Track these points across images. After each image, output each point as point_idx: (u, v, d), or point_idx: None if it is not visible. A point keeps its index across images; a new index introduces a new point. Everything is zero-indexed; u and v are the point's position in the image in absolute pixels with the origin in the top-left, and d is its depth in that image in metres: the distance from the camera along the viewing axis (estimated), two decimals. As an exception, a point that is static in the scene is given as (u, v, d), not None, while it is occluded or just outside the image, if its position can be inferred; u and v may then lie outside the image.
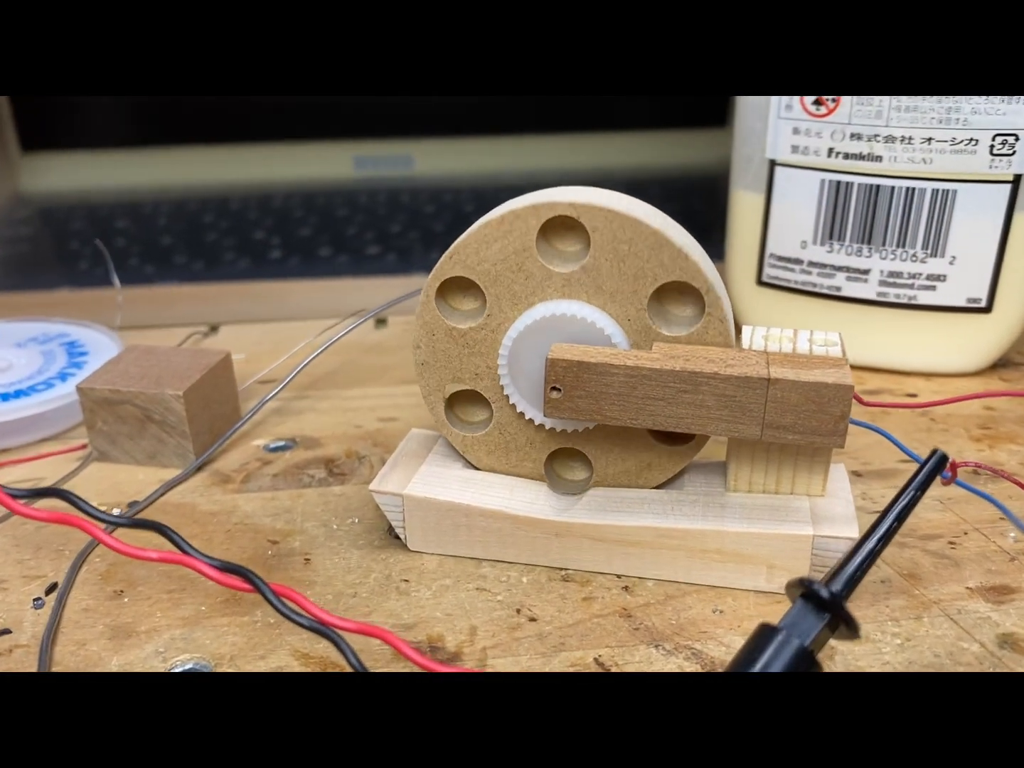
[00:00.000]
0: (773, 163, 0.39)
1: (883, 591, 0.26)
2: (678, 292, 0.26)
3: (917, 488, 0.22)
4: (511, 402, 0.27)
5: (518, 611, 0.26)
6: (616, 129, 0.91)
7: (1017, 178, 0.35)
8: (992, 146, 0.35)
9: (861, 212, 0.37)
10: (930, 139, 0.35)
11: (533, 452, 0.28)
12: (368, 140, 0.89)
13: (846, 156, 0.37)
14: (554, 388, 0.25)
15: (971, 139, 0.35)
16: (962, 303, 0.38)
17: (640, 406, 0.25)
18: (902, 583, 0.27)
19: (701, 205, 0.77)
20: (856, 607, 0.26)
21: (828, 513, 0.26)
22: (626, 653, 0.24)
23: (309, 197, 0.86)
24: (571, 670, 0.24)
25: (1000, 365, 0.40)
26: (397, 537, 0.29)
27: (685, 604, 0.26)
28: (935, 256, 0.37)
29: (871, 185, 0.37)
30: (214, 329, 0.46)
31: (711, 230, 0.71)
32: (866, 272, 0.38)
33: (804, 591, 0.21)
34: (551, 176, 0.85)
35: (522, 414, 0.28)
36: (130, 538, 0.25)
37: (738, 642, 0.24)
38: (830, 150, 0.37)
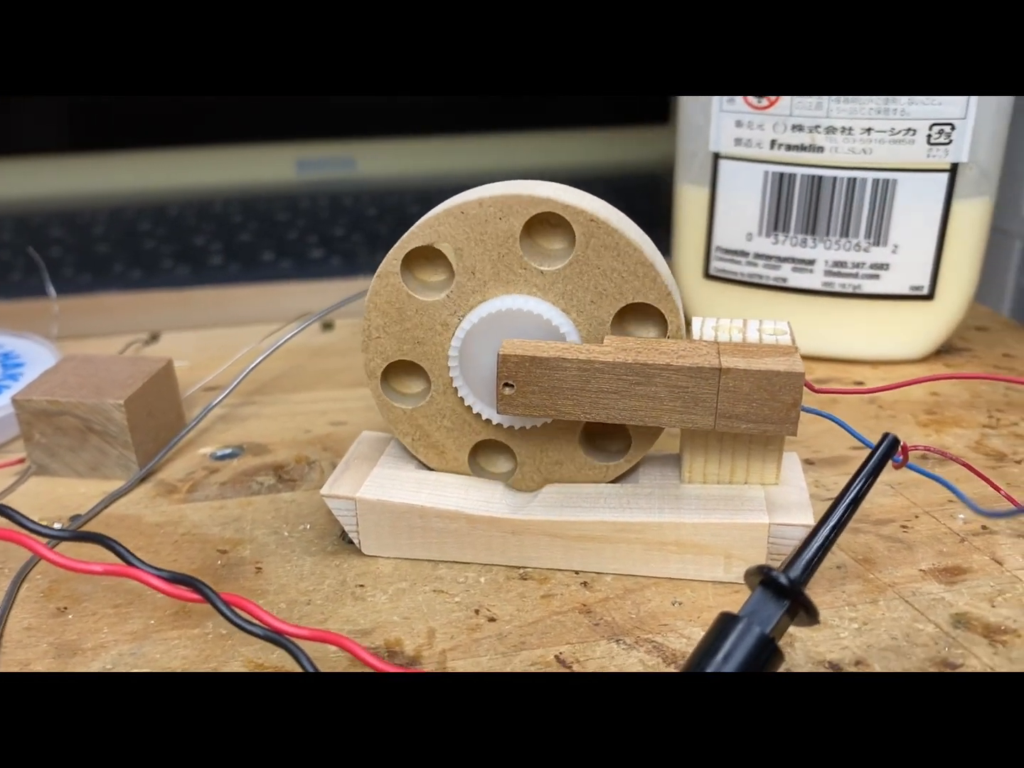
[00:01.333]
0: (717, 156, 0.39)
1: (839, 576, 0.26)
2: (642, 311, 0.26)
3: (870, 473, 0.22)
4: (459, 393, 0.27)
5: (476, 612, 0.25)
6: (558, 127, 0.91)
7: (954, 167, 0.36)
8: (929, 135, 0.35)
9: (805, 203, 0.38)
10: (869, 129, 0.36)
11: (462, 438, 0.28)
12: (310, 143, 0.88)
13: (788, 147, 0.37)
14: (507, 384, 0.25)
15: (909, 129, 0.35)
16: (905, 291, 0.38)
17: (593, 400, 0.25)
18: (857, 568, 0.27)
19: (646, 201, 0.77)
20: (814, 593, 0.26)
21: (783, 501, 0.26)
22: (587, 649, 0.24)
23: (250, 202, 0.85)
24: (532, 669, 0.23)
25: (943, 351, 0.40)
26: (350, 542, 0.28)
27: (644, 597, 0.26)
28: (878, 245, 0.37)
29: (814, 176, 0.37)
30: (155, 337, 0.45)
31: (656, 226, 0.71)
32: (811, 262, 0.39)
33: (763, 579, 0.21)
34: (496, 176, 0.85)
35: (462, 400, 0.27)
36: (73, 552, 0.24)
37: (698, 633, 0.24)
38: (772, 142, 0.37)
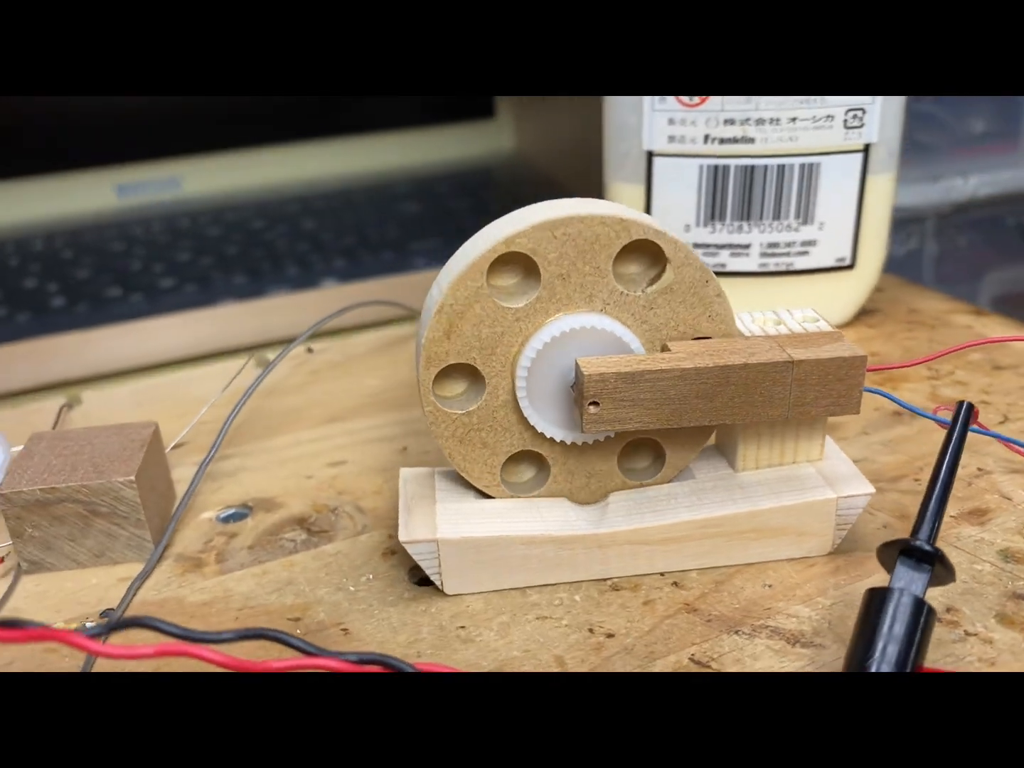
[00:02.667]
0: (651, 154, 0.40)
1: (888, 535, 0.29)
2: (632, 255, 0.26)
3: (960, 437, 0.24)
4: (520, 405, 0.27)
5: (591, 631, 0.26)
6: (385, 129, 0.90)
7: (867, 147, 0.40)
8: (845, 120, 0.39)
9: (739, 192, 0.40)
10: (795, 119, 0.39)
11: (604, 466, 0.28)
12: (128, 166, 0.82)
13: (721, 141, 0.39)
14: (593, 403, 0.25)
15: (828, 116, 0.39)
16: (831, 263, 0.42)
17: (676, 407, 0.26)
18: (899, 524, 0.29)
19: (475, 198, 0.78)
20: (869, 557, 0.28)
21: (837, 475, 0.28)
22: (713, 647, 0.25)
23: (74, 234, 0.78)
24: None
25: (862, 314, 0.44)
26: (424, 584, 0.28)
27: (736, 586, 0.27)
28: (806, 224, 0.41)
29: (746, 166, 0.40)
30: (75, 400, 0.41)
31: (490, 219, 0.72)
32: (747, 247, 0.41)
33: (904, 549, 0.22)
34: (333, 182, 0.83)
35: (513, 411, 0.27)
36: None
37: (804, 612, 0.26)
38: (706, 137, 0.39)
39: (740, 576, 0.27)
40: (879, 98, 0.39)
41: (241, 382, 0.39)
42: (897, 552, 0.23)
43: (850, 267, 0.42)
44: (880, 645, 0.21)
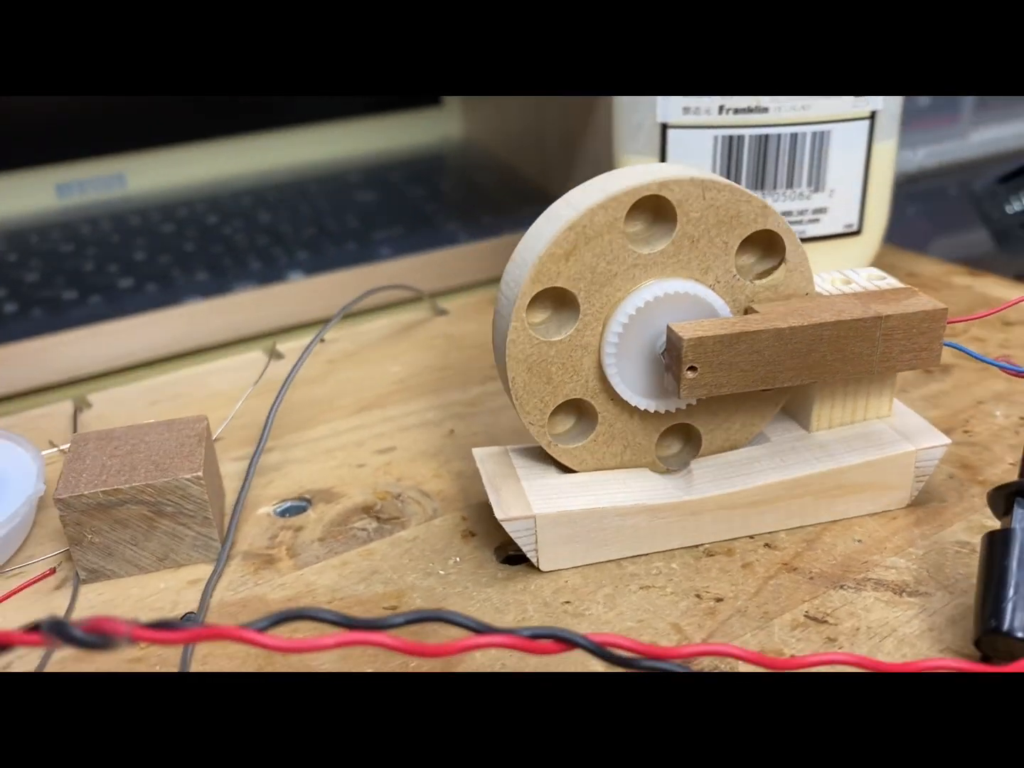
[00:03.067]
0: (665, 127, 0.40)
1: (956, 485, 0.30)
2: (753, 243, 0.27)
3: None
4: (621, 396, 0.27)
5: (698, 596, 0.26)
6: (335, 118, 0.88)
7: (873, 114, 0.40)
8: (855, 88, 0.39)
9: (753, 161, 0.41)
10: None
11: (643, 441, 0.28)
12: (66, 164, 0.78)
13: (736, 111, 0.40)
14: (691, 368, 0.25)
15: (839, 84, 0.39)
16: (840, 230, 0.42)
17: (770, 369, 0.26)
18: (963, 474, 0.30)
19: (431, 185, 0.77)
20: (949, 506, 0.29)
21: (910, 428, 0.29)
22: (824, 603, 0.25)
23: (17, 237, 0.74)
24: (793, 634, 0.24)
25: (867, 279, 0.45)
26: (513, 562, 0.27)
27: (827, 543, 0.27)
28: (818, 192, 0.41)
29: (760, 136, 0.40)
30: (84, 404, 0.39)
31: (446, 205, 0.71)
32: (760, 216, 0.42)
33: (1021, 489, 0.23)
34: (284, 173, 0.81)
35: (625, 406, 0.27)
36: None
37: (900, 563, 0.26)
38: (720, 107, 0.40)
39: (828, 533, 0.28)
40: (885, 65, 0.39)
41: (263, 374, 0.38)
42: (1014, 494, 0.23)
43: (857, 233, 0.43)
44: (1012, 583, 0.22)
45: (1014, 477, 0.29)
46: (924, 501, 0.29)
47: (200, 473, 0.27)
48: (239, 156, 0.83)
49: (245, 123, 0.82)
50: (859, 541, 0.27)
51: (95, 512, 0.26)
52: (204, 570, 0.28)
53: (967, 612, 0.24)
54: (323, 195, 0.77)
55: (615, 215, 0.25)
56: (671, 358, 0.26)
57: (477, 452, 0.29)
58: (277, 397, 0.33)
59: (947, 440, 0.28)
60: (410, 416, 0.36)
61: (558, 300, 0.26)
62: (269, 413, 0.32)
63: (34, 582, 0.27)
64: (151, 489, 0.27)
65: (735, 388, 0.26)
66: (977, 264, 0.53)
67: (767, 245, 0.27)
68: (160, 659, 0.24)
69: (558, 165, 0.67)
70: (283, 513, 0.30)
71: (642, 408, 0.27)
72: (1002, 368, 0.28)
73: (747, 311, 0.27)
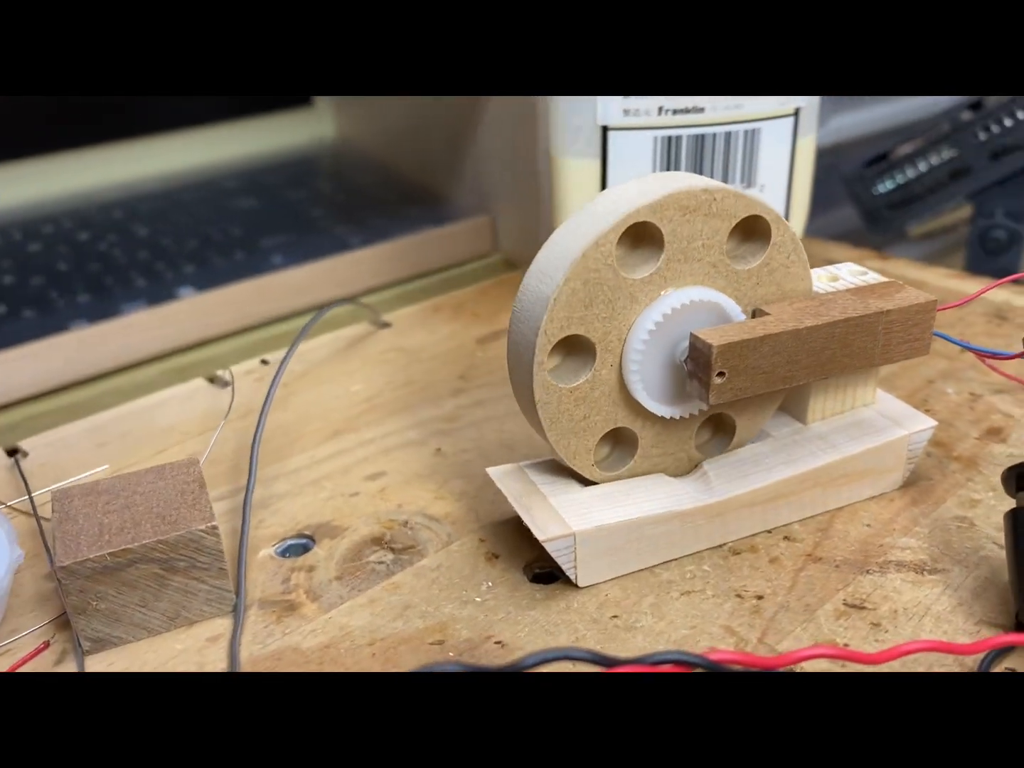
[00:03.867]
0: (606, 129, 0.41)
1: (936, 462, 0.32)
2: (743, 231, 0.27)
3: (1044, 363, 0.27)
4: (631, 384, 0.26)
5: (739, 596, 0.26)
6: (201, 123, 0.84)
7: (797, 111, 0.42)
8: (781, 87, 0.41)
9: (691, 160, 0.42)
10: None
11: (681, 442, 0.28)
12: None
13: (674, 112, 0.40)
14: (719, 373, 0.26)
15: (768, 83, 0.41)
16: (770, 223, 0.44)
17: (790, 369, 0.26)
18: (939, 451, 0.32)
19: (303, 187, 0.75)
20: (937, 481, 0.30)
21: (896, 414, 0.30)
22: (856, 590, 0.26)
23: None
24: (839, 622, 0.25)
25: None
26: (542, 581, 0.27)
27: (840, 531, 0.28)
28: (750, 187, 0.43)
29: (697, 135, 0.41)
30: (14, 451, 0.35)
31: (322, 207, 0.70)
32: (698, 213, 0.43)
33: (1038, 469, 0.25)
34: (153, 183, 0.76)
35: (657, 418, 0.27)
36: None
37: (912, 543, 0.28)
38: (660, 108, 0.40)
39: (837, 521, 0.29)
40: (807, 64, 0.41)
41: (208, 405, 0.36)
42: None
43: (784, 225, 0.44)
44: (1043, 556, 0.23)
45: (982, 451, 0.32)
46: (914, 481, 0.30)
47: (215, 523, 0.25)
48: (104, 166, 0.78)
49: (109, 130, 0.77)
50: (868, 526, 0.29)
51: (101, 577, 0.24)
52: (220, 625, 0.26)
53: (987, 584, 0.26)
54: (199, 203, 0.73)
55: (604, 255, 0.25)
56: (696, 365, 0.26)
57: (493, 472, 0.29)
58: (258, 427, 0.31)
59: (933, 422, 0.30)
60: (389, 437, 0.34)
61: (569, 347, 0.26)
62: (253, 444, 0.31)
63: (29, 659, 0.25)
64: (163, 545, 0.25)
65: (758, 390, 0.26)
66: (848, 239, 0.56)
67: (751, 231, 0.27)
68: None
69: (442, 162, 0.66)
70: (285, 553, 0.29)
71: (675, 416, 0.27)
72: (979, 352, 0.30)
73: (756, 313, 0.27)
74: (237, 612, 0.26)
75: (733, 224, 0.26)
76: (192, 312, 0.49)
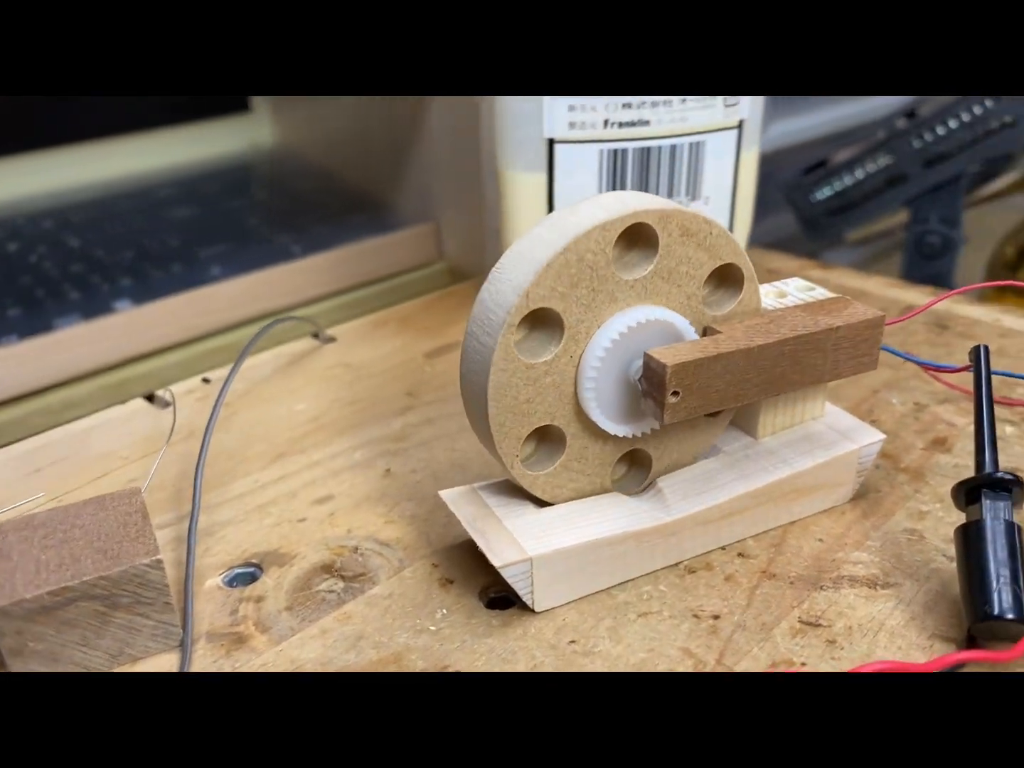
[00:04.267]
0: (552, 142, 0.41)
1: (885, 474, 0.32)
2: (720, 276, 0.28)
3: (988, 377, 0.27)
4: (592, 419, 0.26)
5: (696, 616, 0.26)
6: (134, 130, 0.82)
7: (741, 123, 0.42)
8: (725, 99, 0.41)
9: (637, 172, 0.42)
10: (684, 99, 0.41)
11: (602, 467, 0.28)
12: None
13: (620, 125, 0.40)
14: (674, 392, 0.25)
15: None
16: (715, 234, 0.44)
17: (741, 387, 0.26)
18: (887, 462, 0.32)
19: (241, 194, 0.74)
20: (886, 495, 0.31)
21: (845, 427, 0.31)
22: (811, 606, 0.26)
23: None
24: (794, 641, 0.25)
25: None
26: (497, 607, 0.27)
27: (793, 546, 0.29)
28: (695, 200, 0.43)
29: (643, 148, 0.41)
30: (-59, 479, 0.34)
31: (262, 215, 0.69)
32: (644, 225, 0.43)
33: (986, 482, 0.25)
34: (85, 192, 0.74)
35: (592, 432, 0.27)
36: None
37: (864, 557, 0.28)
38: (605, 121, 0.40)
39: (790, 536, 0.29)
40: (750, 77, 0.41)
41: (148, 426, 0.35)
42: (979, 487, 0.25)
43: (729, 236, 0.45)
44: (993, 570, 0.24)
45: (928, 462, 0.32)
46: (863, 494, 0.31)
47: (159, 556, 0.24)
48: (33, 174, 0.75)
49: (37, 137, 0.74)
50: (820, 540, 0.29)
51: (38, 617, 0.23)
52: (166, 661, 0.25)
53: (938, 597, 0.26)
54: (135, 213, 0.71)
55: (606, 240, 0.25)
56: (651, 384, 0.26)
57: (445, 495, 0.28)
58: (202, 451, 0.30)
59: (882, 435, 0.30)
60: (337, 459, 0.34)
61: (538, 322, 0.25)
62: (197, 469, 0.30)
63: (-40, 706, 0.24)
64: (105, 582, 0.24)
65: (711, 408, 0.26)
66: (784, 247, 0.57)
67: (726, 278, 0.27)
68: None
69: (385, 169, 0.65)
70: (232, 582, 0.28)
71: (615, 434, 0.27)
72: (927, 366, 0.31)
73: (707, 331, 0.27)
74: (184, 647, 0.25)
75: (717, 265, 0.26)
76: (129, 326, 0.48)
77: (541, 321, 0.25)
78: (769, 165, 0.81)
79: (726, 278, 0.28)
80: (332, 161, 0.76)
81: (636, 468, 0.29)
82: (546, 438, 0.27)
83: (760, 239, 0.81)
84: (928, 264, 0.71)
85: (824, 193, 0.73)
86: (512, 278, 0.25)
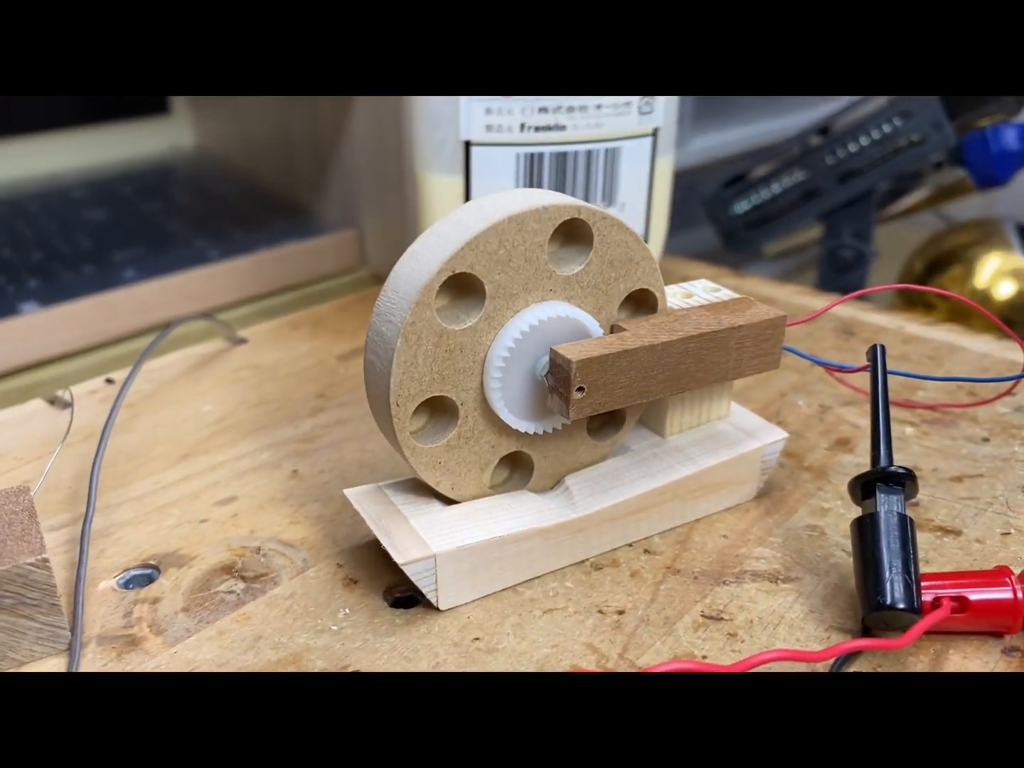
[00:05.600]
0: (468, 144, 0.41)
1: (789, 473, 0.32)
2: (636, 298, 0.28)
3: (884, 376, 0.28)
4: (495, 408, 0.26)
5: (601, 612, 0.26)
6: (47, 129, 0.80)
7: (655, 131, 0.43)
8: (640, 107, 0.42)
9: (553, 177, 0.42)
10: (600, 106, 0.41)
11: (485, 458, 0.27)
12: None
13: (536, 129, 0.41)
14: (579, 388, 0.25)
15: (627, 102, 0.41)
16: (631, 240, 0.45)
17: (646, 384, 0.27)
18: (790, 461, 0.33)
19: (182, 196, 0.72)
20: (790, 491, 0.31)
21: (750, 426, 0.31)
22: (714, 601, 0.26)
23: None
24: (696, 634, 0.25)
25: (653, 284, 0.48)
26: (402, 606, 0.26)
27: (698, 543, 0.29)
28: (611, 205, 0.43)
29: (559, 153, 0.41)
30: None
31: (180, 219, 0.68)
32: (560, 229, 0.43)
33: (880, 477, 0.26)
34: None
35: (490, 421, 0.27)
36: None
37: (766, 553, 0.28)
38: (522, 125, 0.40)
39: (695, 533, 0.29)
40: (664, 86, 0.42)
41: (47, 428, 0.33)
42: (874, 480, 0.26)
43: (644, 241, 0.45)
44: (886, 562, 0.24)
45: (831, 461, 0.33)
46: (767, 491, 0.31)
47: (45, 555, 0.23)
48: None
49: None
50: (725, 536, 0.29)
51: (-88, 619, 0.22)
52: (53, 664, 0.24)
53: (836, 591, 0.27)
54: (45, 214, 0.69)
55: (545, 228, 0.25)
56: (557, 380, 0.26)
57: (350, 493, 0.28)
58: (98, 451, 0.29)
59: (785, 434, 0.31)
60: (242, 460, 0.33)
61: (461, 293, 0.25)
62: (93, 469, 0.29)
63: None
64: (-15, 582, 0.23)
65: (616, 404, 0.26)
66: (706, 259, 0.58)
67: (641, 299, 0.28)
68: None
69: (308, 174, 0.65)
70: (128, 584, 0.27)
71: (515, 428, 0.27)
72: (826, 366, 0.31)
73: (614, 329, 0.28)
74: (72, 650, 0.24)
75: (637, 287, 0.27)
76: (34, 329, 0.46)
77: (464, 292, 0.25)
78: (694, 178, 0.82)
79: (641, 303, 0.28)
80: (254, 165, 0.75)
81: (518, 475, 0.29)
82: (437, 412, 0.27)
83: (684, 251, 0.82)
84: (841, 277, 0.72)
85: (742, 207, 0.74)
86: (444, 233, 0.25)
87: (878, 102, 0.68)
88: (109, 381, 0.39)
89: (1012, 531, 0.29)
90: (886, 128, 0.67)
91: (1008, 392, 0.35)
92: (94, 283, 0.53)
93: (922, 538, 0.29)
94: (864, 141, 0.69)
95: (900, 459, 0.33)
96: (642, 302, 0.28)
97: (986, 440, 0.34)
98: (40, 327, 0.46)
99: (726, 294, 0.31)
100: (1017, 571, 0.25)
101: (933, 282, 0.76)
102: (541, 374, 0.26)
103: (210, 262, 0.53)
